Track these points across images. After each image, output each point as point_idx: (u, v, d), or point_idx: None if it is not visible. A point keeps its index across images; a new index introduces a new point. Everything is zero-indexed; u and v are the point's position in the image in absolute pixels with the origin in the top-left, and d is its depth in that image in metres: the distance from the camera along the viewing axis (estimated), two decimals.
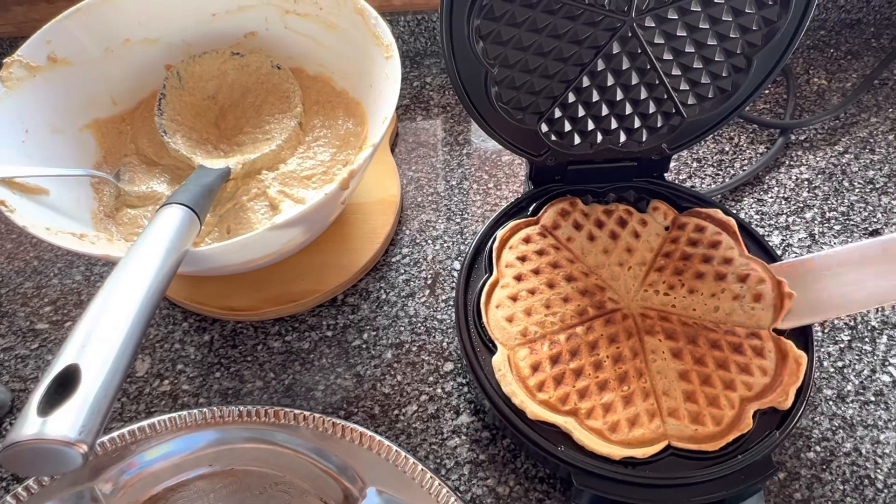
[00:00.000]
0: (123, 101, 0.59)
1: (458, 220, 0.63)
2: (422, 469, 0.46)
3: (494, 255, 0.50)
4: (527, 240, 0.51)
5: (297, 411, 0.49)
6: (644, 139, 0.53)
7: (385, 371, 0.54)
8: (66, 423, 0.26)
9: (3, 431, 0.51)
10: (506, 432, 0.49)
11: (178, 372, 0.54)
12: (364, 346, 0.55)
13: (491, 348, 0.47)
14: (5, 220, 0.63)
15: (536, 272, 0.49)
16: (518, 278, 0.49)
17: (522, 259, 0.50)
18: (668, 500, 0.42)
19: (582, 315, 0.48)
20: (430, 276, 0.59)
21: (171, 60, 0.60)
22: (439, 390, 0.52)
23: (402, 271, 0.59)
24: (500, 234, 0.51)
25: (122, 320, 0.31)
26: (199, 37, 0.60)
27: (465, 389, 0.52)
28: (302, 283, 0.56)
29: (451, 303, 0.57)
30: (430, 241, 0.61)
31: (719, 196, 0.64)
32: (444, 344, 0.55)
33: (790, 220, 0.62)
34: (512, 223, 0.52)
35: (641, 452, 0.42)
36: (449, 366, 0.54)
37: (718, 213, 0.53)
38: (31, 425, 0.26)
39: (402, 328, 0.56)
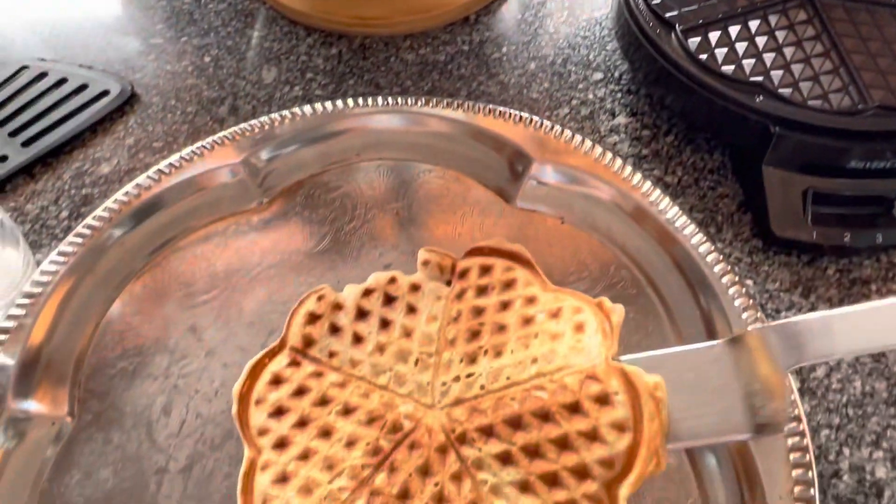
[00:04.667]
0: None
1: None
2: (591, 144, 0.43)
3: (237, 422, 0.35)
4: (276, 381, 0.37)
5: (448, 98, 0.46)
6: None
7: (530, 79, 0.50)
8: None
9: None
10: (688, 102, 0.44)
11: (309, 80, 0.51)
12: (504, 58, 0.51)
13: (667, 20, 0.43)
14: None
15: (303, 424, 0.35)
16: (280, 445, 0.35)
17: (278, 413, 0.35)
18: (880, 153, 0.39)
19: (377, 455, 0.34)
20: None
21: None
22: (591, 95, 0.49)
23: None
24: (236, 389, 0.36)
25: None
26: None
27: (619, 95, 0.49)
28: None
29: (594, 22, 0.53)
30: None
31: None
32: (591, 56, 0.51)
33: None
34: (251, 363, 0.37)
35: None
36: (598, 75, 0.50)
37: (503, 243, 0.39)
38: None
39: (542, 43, 0.52)
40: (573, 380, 0.33)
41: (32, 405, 0.36)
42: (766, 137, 0.39)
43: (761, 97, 0.39)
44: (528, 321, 0.36)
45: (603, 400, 0.32)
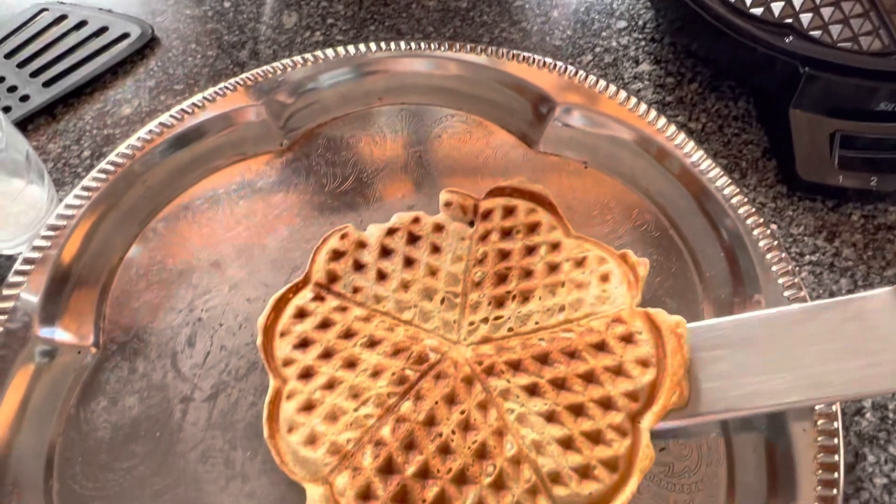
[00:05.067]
0: None
1: None
2: (616, 88, 0.43)
3: (262, 353, 0.35)
4: (300, 315, 0.36)
5: (472, 44, 0.45)
6: None
7: (552, 27, 0.50)
8: None
9: None
10: (716, 46, 0.43)
11: (330, 25, 0.50)
12: (527, 5, 0.51)
13: None
14: None
15: (328, 355, 0.35)
16: (306, 376, 0.35)
17: (303, 345, 0.35)
18: None
19: (403, 384, 0.34)
20: None
21: None
22: (614, 43, 0.49)
23: None
24: (261, 321, 0.36)
25: None
26: None
27: (643, 43, 0.48)
28: None
29: None
30: None
31: None
32: (615, 5, 0.51)
33: None
34: (276, 297, 0.36)
35: None
36: (622, 23, 0.50)
37: (525, 184, 0.39)
38: None
39: None
40: (599, 323, 0.34)
41: (58, 333, 0.36)
42: (795, 79, 0.39)
43: (791, 38, 0.39)
44: (553, 268, 0.36)
45: (627, 338, 0.33)
